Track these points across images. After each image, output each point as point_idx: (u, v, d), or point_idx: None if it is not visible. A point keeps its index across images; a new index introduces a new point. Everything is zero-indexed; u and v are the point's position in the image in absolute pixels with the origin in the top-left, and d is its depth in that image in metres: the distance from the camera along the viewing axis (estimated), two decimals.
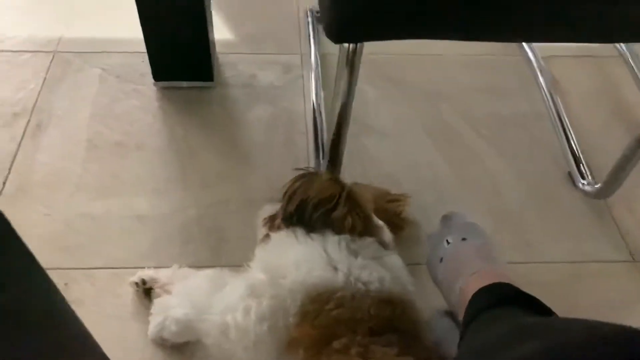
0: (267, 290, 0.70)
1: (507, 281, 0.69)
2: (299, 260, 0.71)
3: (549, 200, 1.04)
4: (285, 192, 0.77)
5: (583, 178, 1.06)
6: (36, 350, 0.45)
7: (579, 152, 1.09)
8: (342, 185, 0.76)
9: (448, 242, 0.80)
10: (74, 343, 0.52)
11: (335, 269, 0.69)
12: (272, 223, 0.80)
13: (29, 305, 0.43)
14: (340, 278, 0.68)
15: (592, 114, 1.20)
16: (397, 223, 0.91)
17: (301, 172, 0.79)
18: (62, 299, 0.48)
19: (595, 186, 1.02)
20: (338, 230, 0.73)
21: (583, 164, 1.07)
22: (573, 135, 1.12)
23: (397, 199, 0.94)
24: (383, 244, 0.76)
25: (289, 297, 0.68)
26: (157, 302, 0.83)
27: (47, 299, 0.46)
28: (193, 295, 0.79)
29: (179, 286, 0.83)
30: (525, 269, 0.94)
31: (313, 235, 0.74)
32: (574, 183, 1.06)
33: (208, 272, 0.83)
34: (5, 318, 0.40)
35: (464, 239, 0.80)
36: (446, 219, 0.87)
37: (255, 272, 0.73)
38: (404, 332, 0.66)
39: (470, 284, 0.70)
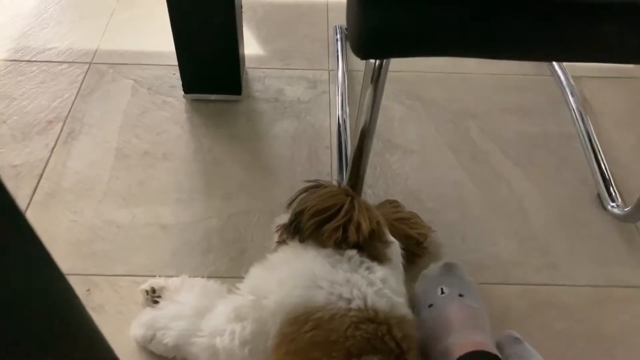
0: (251, 314, 0.69)
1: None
2: (284, 278, 0.69)
3: (576, 223, 1.02)
4: (290, 202, 0.76)
5: (612, 201, 1.03)
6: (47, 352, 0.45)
7: (609, 174, 1.07)
8: (347, 197, 0.73)
9: (442, 291, 0.78)
10: (84, 343, 0.52)
11: (319, 286, 0.66)
12: (283, 231, 0.79)
13: (46, 310, 0.43)
14: (321, 296, 0.65)
15: (623, 136, 1.17)
16: (415, 251, 0.90)
17: (311, 183, 0.78)
18: (81, 306, 0.49)
19: (625, 209, 1.00)
20: (325, 243, 0.70)
21: (613, 187, 1.05)
22: (603, 157, 1.10)
23: (420, 227, 0.92)
24: (380, 258, 0.72)
25: (270, 319, 0.67)
26: (147, 313, 0.82)
27: (65, 305, 0.47)
28: (182, 317, 0.77)
29: (168, 305, 0.81)
30: (548, 291, 0.92)
31: (304, 249, 0.72)
32: (603, 206, 1.04)
33: (198, 289, 0.82)
34: (19, 321, 0.40)
35: (461, 295, 0.78)
36: (448, 267, 0.84)
37: (244, 292, 0.72)
38: (387, 352, 0.64)
39: (456, 350, 0.70)
